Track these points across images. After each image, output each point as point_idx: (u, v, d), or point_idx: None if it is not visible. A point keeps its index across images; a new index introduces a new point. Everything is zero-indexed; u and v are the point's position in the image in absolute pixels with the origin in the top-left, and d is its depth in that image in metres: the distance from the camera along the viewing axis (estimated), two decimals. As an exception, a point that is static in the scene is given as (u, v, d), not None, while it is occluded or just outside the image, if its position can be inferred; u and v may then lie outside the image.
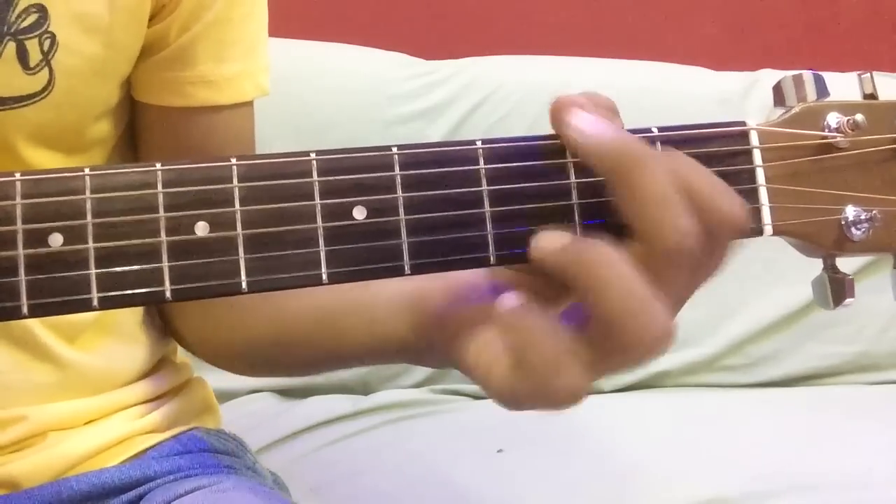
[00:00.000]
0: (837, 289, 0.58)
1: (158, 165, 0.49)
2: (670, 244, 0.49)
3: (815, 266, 0.59)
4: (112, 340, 0.83)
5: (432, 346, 0.60)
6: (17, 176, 0.47)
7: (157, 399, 0.87)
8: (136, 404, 0.84)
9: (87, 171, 0.48)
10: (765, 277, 1.48)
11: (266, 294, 0.51)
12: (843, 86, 0.61)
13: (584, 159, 0.52)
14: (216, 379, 0.96)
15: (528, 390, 0.51)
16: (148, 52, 0.78)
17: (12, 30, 0.68)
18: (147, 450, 0.82)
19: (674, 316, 0.52)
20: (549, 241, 0.51)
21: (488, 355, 0.53)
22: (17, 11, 0.68)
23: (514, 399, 0.52)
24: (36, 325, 0.77)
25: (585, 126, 0.52)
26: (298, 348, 0.77)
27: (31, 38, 0.69)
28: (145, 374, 0.87)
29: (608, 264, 0.49)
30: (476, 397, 1.44)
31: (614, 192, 0.51)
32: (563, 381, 0.50)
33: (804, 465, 1.17)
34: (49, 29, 0.70)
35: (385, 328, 0.65)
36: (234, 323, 0.82)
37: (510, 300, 0.52)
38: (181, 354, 0.94)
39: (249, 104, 0.83)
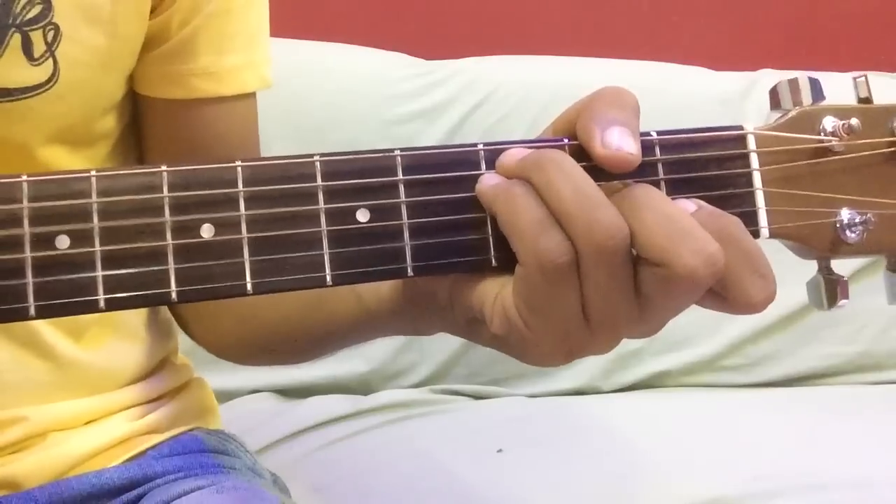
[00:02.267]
0: (832, 290, 0.58)
1: (164, 167, 0.49)
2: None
3: (816, 266, 0.59)
4: (114, 339, 0.83)
5: (430, 302, 0.61)
6: (24, 178, 0.48)
7: (157, 399, 0.87)
8: (136, 405, 0.85)
9: (93, 172, 0.48)
10: (764, 277, 1.48)
11: None
12: (843, 86, 0.61)
13: None
14: (216, 379, 0.96)
15: (524, 255, 0.52)
16: (150, 46, 0.78)
17: (17, 21, 0.69)
18: (147, 450, 0.82)
19: (576, 341, 0.54)
20: (511, 156, 0.55)
21: (500, 291, 0.55)
22: (21, 3, 0.69)
23: (530, 313, 0.53)
24: (39, 323, 0.77)
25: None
26: (294, 333, 0.79)
27: (35, 29, 0.70)
28: (146, 375, 0.87)
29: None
30: (476, 397, 1.44)
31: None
32: (548, 241, 0.51)
33: (804, 465, 1.17)
34: (53, 20, 0.70)
35: (373, 296, 0.67)
36: (232, 316, 0.83)
37: (489, 179, 0.54)
38: (182, 355, 0.94)
39: (252, 96, 0.84)
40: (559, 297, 0.52)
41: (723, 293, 0.53)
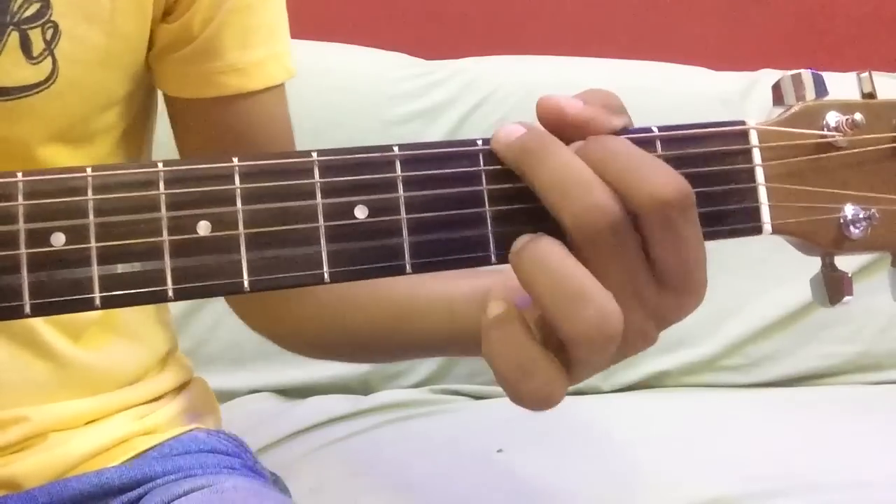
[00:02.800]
0: (835, 287, 0.58)
1: (160, 165, 0.49)
2: (582, 225, 0.49)
3: (816, 265, 0.59)
4: (116, 339, 0.83)
5: None
6: (19, 175, 0.48)
7: (157, 399, 0.87)
8: (136, 405, 0.85)
9: (89, 170, 0.48)
10: (765, 277, 1.48)
11: (340, 289, 0.51)
12: (843, 86, 0.61)
13: (501, 160, 0.53)
14: (216, 379, 0.96)
15: (508, 394, 0.51)
16: (174, 48, 0.78)
17: (15, 20, 0.69)
18: (147, 450, 0.82)
19: (631, 305, 0.51)
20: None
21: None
22: (19, 1, 0.69)
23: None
24: (38, 323, 0.77)
25: (498, 135, 0.53)
26: (377, 341, 0.80)
27: (33, 27, 0.69)
28: (146, 375, 0.87)
29: (539, 259, 0.50)
30: (476, 397, 1.44)
31: (529, 186, 0.52)
32: (530, 385, 0.50)
33: (804, 465, 1.17)
34: (51, 18, 0.70)
35: (464, 323, 0.68)
36: (309, 320, 0.84)
37: (493, 309, 0.52)
38: (182, 355, 0.94)
39: (280, 87, 0.84)
40: (616, 262, 0.51)
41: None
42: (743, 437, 1.27)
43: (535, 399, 0.50)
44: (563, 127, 0.52)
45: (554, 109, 0.52)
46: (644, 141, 0.54)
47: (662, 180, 0.50)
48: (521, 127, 0.52)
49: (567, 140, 0.52)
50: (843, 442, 1.25)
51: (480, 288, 0.65)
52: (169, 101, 0.83)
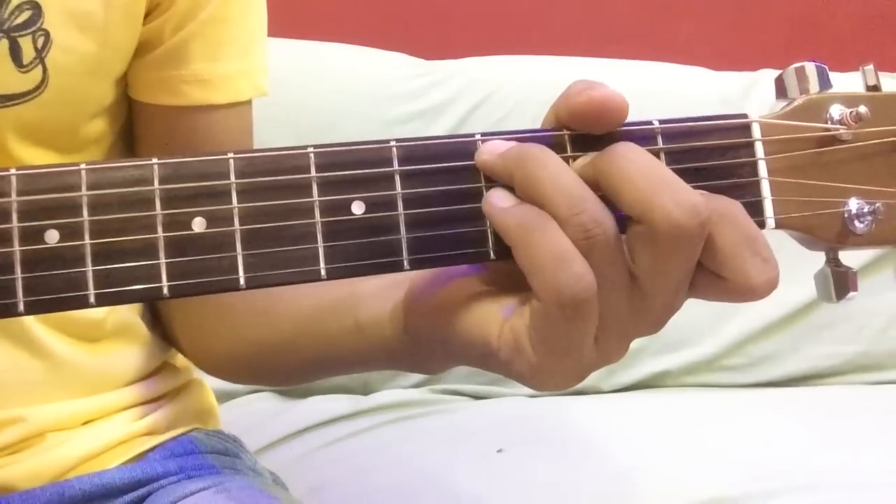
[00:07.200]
0: (840, 282, 0.57)
1: (155, 160, 0.49)
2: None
3: (816, 265, 0.59)
4: (114, 339, 0.83)
5: (431, 340, 0.59)
6: (13, 171, 0.47)
7: (156, 400, 0.86)
8: (135, 405, 0.84)
9: (82, 166, 0.48)
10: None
11: (254, 300, 0.50)
12: (843, 85, 0.60)
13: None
14: (216, 379, 0.96)
15: (545, 287, 0.50)
16: (143, 51, 0.77)
17: (5, 27, 0.68)
18: (147, 451, 0.82)
19: (589, 364, 0.52)
20: (491, 148, 0.52)
21: (510, 320, 0.53)
22: (10, 8, 0.68)
23: (547, 350, 0.51)
24: (33, 322, 0.77)
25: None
26: (287, 354, 0.77)
27: (24, 35, 0.69)
28: (145, 376, 0.86)
29: (541, 160, 0.50)
30: (476, 397, 1.44)
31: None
32: (573, 270, 0.49)
33: (804, 465, 1.16)
34: (43, 26, 0.69)
35: (373, 330, 0.65)
36: (225, 331, 0.82)
37: (498, 200, 0.52)
38: (182, 357, 0.94)
39: (247, 104, 0.83)
40: (579, 331, 0.50)
41: (721, 273, 0.51)
42: (743, 437, 1.27)
43: (579, 286, 0.49)
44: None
45: (621, 107, 0.53)
46: (645, 134, 0.54)
47: (686, 212, 0.49)
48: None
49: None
50: (843, 442, 1.25)
51: (389, 289, 0.64)
52: (133, 104, 0.81)
